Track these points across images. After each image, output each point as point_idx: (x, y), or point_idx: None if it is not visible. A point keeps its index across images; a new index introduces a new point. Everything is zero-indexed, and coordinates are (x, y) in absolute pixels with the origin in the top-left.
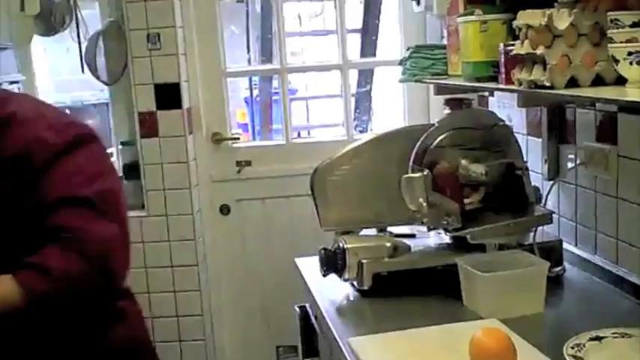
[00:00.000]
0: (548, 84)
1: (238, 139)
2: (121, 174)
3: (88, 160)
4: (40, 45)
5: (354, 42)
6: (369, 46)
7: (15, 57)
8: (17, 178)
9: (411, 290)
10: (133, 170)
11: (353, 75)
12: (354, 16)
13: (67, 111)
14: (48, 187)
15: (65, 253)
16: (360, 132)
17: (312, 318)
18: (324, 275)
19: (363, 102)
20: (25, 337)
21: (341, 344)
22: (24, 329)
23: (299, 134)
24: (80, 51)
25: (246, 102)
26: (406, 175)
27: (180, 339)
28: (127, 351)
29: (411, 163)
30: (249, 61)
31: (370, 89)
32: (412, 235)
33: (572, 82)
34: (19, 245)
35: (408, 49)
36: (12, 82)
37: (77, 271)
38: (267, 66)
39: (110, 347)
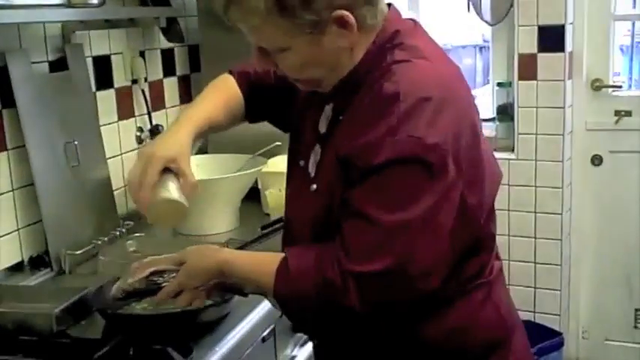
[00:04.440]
0: None
1: (620, 87)
2: (493, 115)
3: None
4: None
5: None
6: None
7: None
8: None
9: None
10: (505, 112)
11: None
12: None
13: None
14: None
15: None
16: None
17: None
18: None
19: None
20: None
21: None
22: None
23: None
24: None
25: (621, 50)
26: None
27: (536, 286)
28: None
29: None
30: (633, 4)
31: None
32: None
33: None
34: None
35: None
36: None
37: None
38: None
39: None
